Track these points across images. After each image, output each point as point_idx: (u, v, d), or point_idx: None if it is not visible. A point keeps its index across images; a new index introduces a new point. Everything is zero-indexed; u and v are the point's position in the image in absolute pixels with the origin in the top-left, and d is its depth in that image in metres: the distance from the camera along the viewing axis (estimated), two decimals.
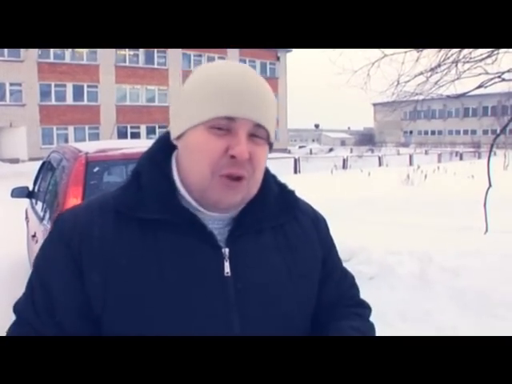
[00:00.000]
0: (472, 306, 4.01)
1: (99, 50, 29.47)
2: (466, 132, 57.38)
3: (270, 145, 0.92)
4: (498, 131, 7.96)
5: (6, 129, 27.36)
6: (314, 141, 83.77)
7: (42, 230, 3.66)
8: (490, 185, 6.47)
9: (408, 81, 7.36)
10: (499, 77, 6.80)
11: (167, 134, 0.95)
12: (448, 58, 6.85)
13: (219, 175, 0.85)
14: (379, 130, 63.23)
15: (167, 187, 0.91)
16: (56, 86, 28.84)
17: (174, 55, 32.97)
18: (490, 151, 7.17)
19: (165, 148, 0.95)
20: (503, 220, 6.34)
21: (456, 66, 6.87)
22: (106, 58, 29.94)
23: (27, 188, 5.12)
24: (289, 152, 35.42)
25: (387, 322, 3.72)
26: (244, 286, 0.89)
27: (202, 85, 0.87)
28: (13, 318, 0.88)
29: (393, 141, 59.61)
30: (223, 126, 0.85)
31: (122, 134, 30.21)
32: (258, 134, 0.87)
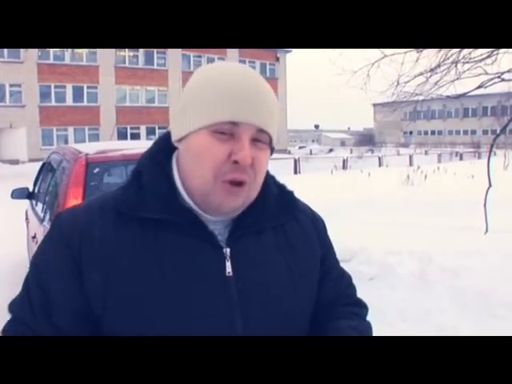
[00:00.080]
0: (472, 306, 4.01)
1: (99, 51, 29.47)
2: (465, 132, 57.39)
3: (272, 149, 0.92)
4: (498, 131, 7.97)
5: (5, 130, 27.37)
6: (313, 141, 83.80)
7: (42, 231, 3.66)
8: (490, 185, 6.46)
9: (408, 81, 7.36)
10: (499, 77, 6.80)
11: (167, 134, 0.95)
12: (448, 58, 6.86)
13: (221, 180, 0.85)
14: (379, 131, 63.24)
15: (168, 187, 0.91)
16: (56, 87, 28.84)
17: (174, 56, 32.97)
18: (490, 151, 7.17)
19: (165, 148, 0.95)
20: (503, 220, 6.34)
21: (456, 66, 6.88)
22: (106, 58, 29.94)
23: (27, 189, 5.12)
24: (289, 152, 35.42)
25: (387, 322, 3.72)
26: (246, 286, 0.89)
27: (204, 87, 0.86)
28: None
29: (393, 141, 59.64)
30: (226, 131, 0.84)
31: (121, 135, 30.19)
32: (261, 138, 0.87)
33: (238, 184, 0.86)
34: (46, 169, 4.89)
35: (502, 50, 6.40)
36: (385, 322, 3.69)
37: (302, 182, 11.22)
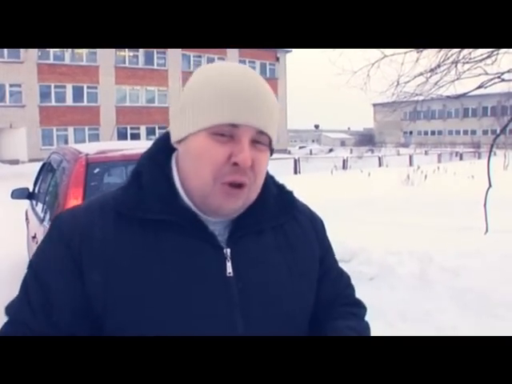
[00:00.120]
0: (472, 306, 4.01)
1: (99, 52, 29.48)
2: (465, 132, 57.40)
3: (272, 150, 0.92)
4: (498, 131, 7.97)
5: (5, 130, 27.37)
6: (313, 141, 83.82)
7: (43, 231, 3.66)
8: (490, 185, 6.47)
9: (408, 81, 7.37)
10: (499, 77, 6.80)
11: (167, 134, 0.95)
12: (448, 58, 6.86)
13: (221, 182, 0.85)
14: (379, 131, 63.25)
15: (168, 188, 0.90)
16: (56, 87, 28.84)
17: (174, 56, 32.97)
18: (490, 151, 7.17)
19: (165, 148, 0.94)
20: (503, 220, 6.34)
21: (456, 66, 6.88)
22: (106, 59, 29.94)
23: (27, 189, 5.12)
24: (289, 152, 35.42)
25: (387, 322, 3.73)
26: (246, 286, 0.89)
27: (203, 88, 0.86)
28: None
29: (393, 141, 59.64)
30: (226, 132, 0.84)
31: (121, 135, 30.18)
32: (261, 140, 0.87)
33: (238, 186, 0.86)
34: (46, 169, 4.89)
35: (502, 51, 6.40)
36: (385, 322, 3.70)
37: (302, 182, 11.22)
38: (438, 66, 6.98)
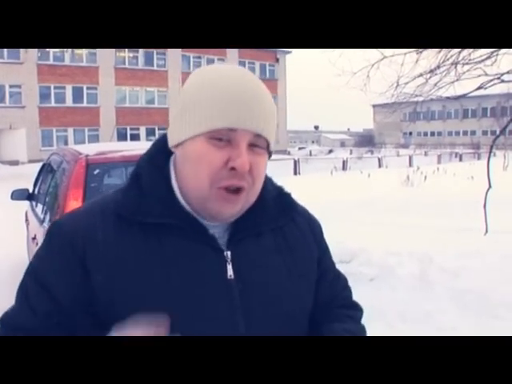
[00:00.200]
0: (472, 306, 4.01)
1: (99, 52, 29.49)
2: (465, 133, 57.44)
3: (270, 153, 0.91)
4: (498, 132, 7.97)
5: (5, 131, 27.37)
6: (313, 142, 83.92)
7: (43, 233, 3.66)
8: (490, 186, 6.47)
9: (407, 82, 7.37)
10: (498, 78, 6.81)
11: (166, 136, 0.94)
12: (447, 59, 6.87)
13: (217, 187, 0.84)
14: (379, 132, 63.27)
15: (168, 191, 0.90)
16: (55, 87, 28.85)
17: (174, 57, 32.99)
18: (490, 152, 7.18)
19: (164, 150, 0.94)
20: (503, 221, 6.35)
21: (455, 67, 6.89)
22: (106, 59, 29.95)
23: (27, 190, 5.12)
24: (288, 153, 35.44)
25: (387, 323, 3.73)
26: (247, 288, 0.89)
27: (201, 92, 0.85)
28: None
29: (392, 142, 59.69)
30: (223, 137, 0.83)
31: (121, 136, 30.19)
32: (259, 143, 0.86)
33: (235, 191, 0.85)
34: (46, 170, 4.89)
35: (502, 52, 6.41)
36: (385, 322, 3.70)
37: (302, 183, 11.23)
38: (438, 67, 6.99)
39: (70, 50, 28.12)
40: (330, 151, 49.34)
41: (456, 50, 6.63)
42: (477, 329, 3.54)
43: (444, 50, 6.72)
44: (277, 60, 38.96)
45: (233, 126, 0.83)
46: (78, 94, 29.73)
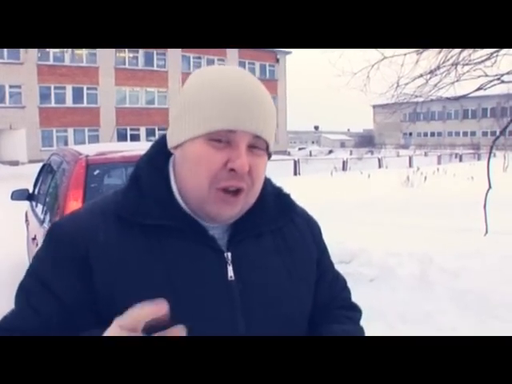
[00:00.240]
0: (472, 307, 4.01)
1: (99, 53, 29.50)
2: (465, 134, 57.48)
3: (269, 154, 0.91)
4: (498, 133, 7.96)
5: (5, 131, 27.38)
6: (313, 143, 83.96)
7: (43, 233, 3.66)
8: (490, 186, 6.47)
9: (407, 83, 7.38)
10: (498, 79, 6.81)
11: (165, 137, 0.94)
12: (447, 60, 6.87)
13: (216, 188, 0.84)
14: (379, 132, 63.32)
15: (167, 192, 0.90)
16: (56, 88, 28.86)
17: (174, 57, 33.00)
18: (490, 153, 7.17)
19: (163, 151, 0.94)
20: (503, 221, 6.36)
21: (455, 68, 6.89)
22: (106, 60, 29.97)
23: (27, 190, 5.12)
24: (288, 154, 35.45)
25: (388, 324, 3.73)
26: (247, 289, 0.89)
27: (200, 93, 0.85)
28: None
29: (392, 142, 59.72)
30: (223, 138, 0.83)
31: (121, 136, 30.19)
32: (258, 145, 0.86)
33: (235, 193, 0.85)
34: (46, 170, 4.90)
35: (502, 52, 6.42)
36: (385, 323, 3.70)
37: (302, 184, 11.24)
38: (438, 67, 6.99)
39: (70, 50, 28.17)
40: (330, 152, 49.34)
41: (456, 51, 6.63)
42: (477, 329, 3.54)
43: (444, 51, 6.73)
44: (277, 60, 38.97)
45: (232, 127, 0.83)
46: (78, 95, 29.74)
